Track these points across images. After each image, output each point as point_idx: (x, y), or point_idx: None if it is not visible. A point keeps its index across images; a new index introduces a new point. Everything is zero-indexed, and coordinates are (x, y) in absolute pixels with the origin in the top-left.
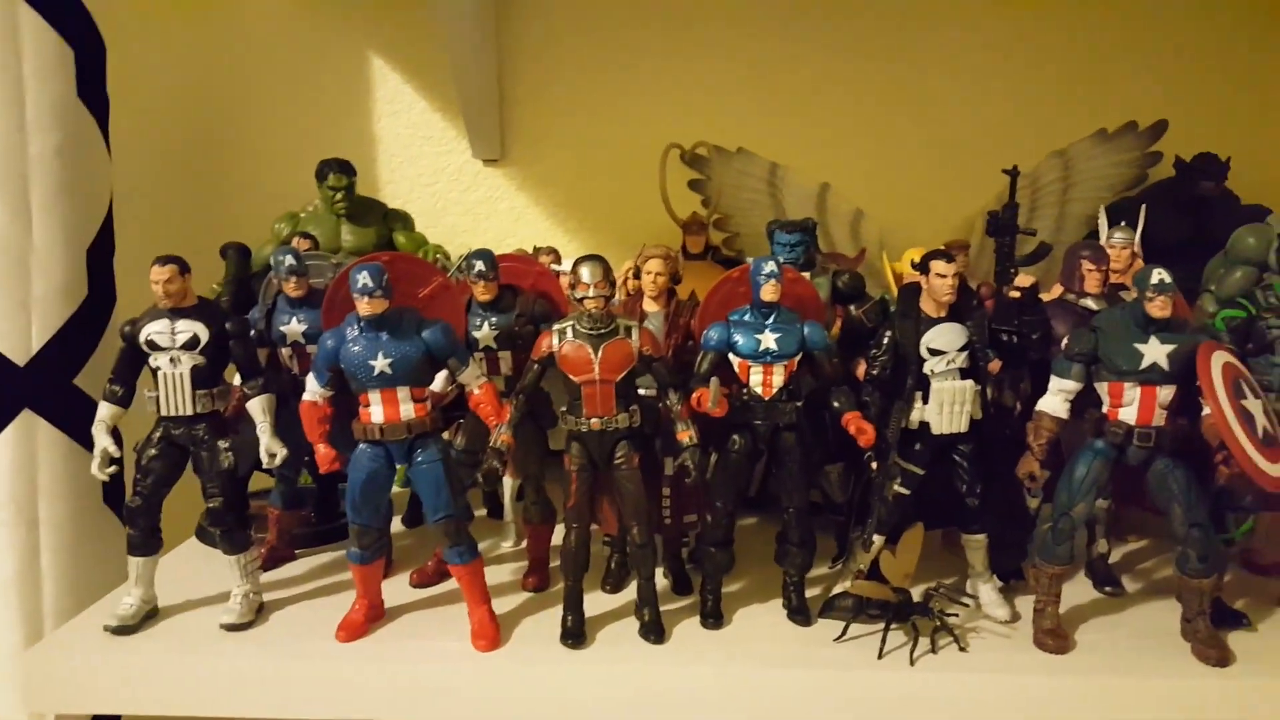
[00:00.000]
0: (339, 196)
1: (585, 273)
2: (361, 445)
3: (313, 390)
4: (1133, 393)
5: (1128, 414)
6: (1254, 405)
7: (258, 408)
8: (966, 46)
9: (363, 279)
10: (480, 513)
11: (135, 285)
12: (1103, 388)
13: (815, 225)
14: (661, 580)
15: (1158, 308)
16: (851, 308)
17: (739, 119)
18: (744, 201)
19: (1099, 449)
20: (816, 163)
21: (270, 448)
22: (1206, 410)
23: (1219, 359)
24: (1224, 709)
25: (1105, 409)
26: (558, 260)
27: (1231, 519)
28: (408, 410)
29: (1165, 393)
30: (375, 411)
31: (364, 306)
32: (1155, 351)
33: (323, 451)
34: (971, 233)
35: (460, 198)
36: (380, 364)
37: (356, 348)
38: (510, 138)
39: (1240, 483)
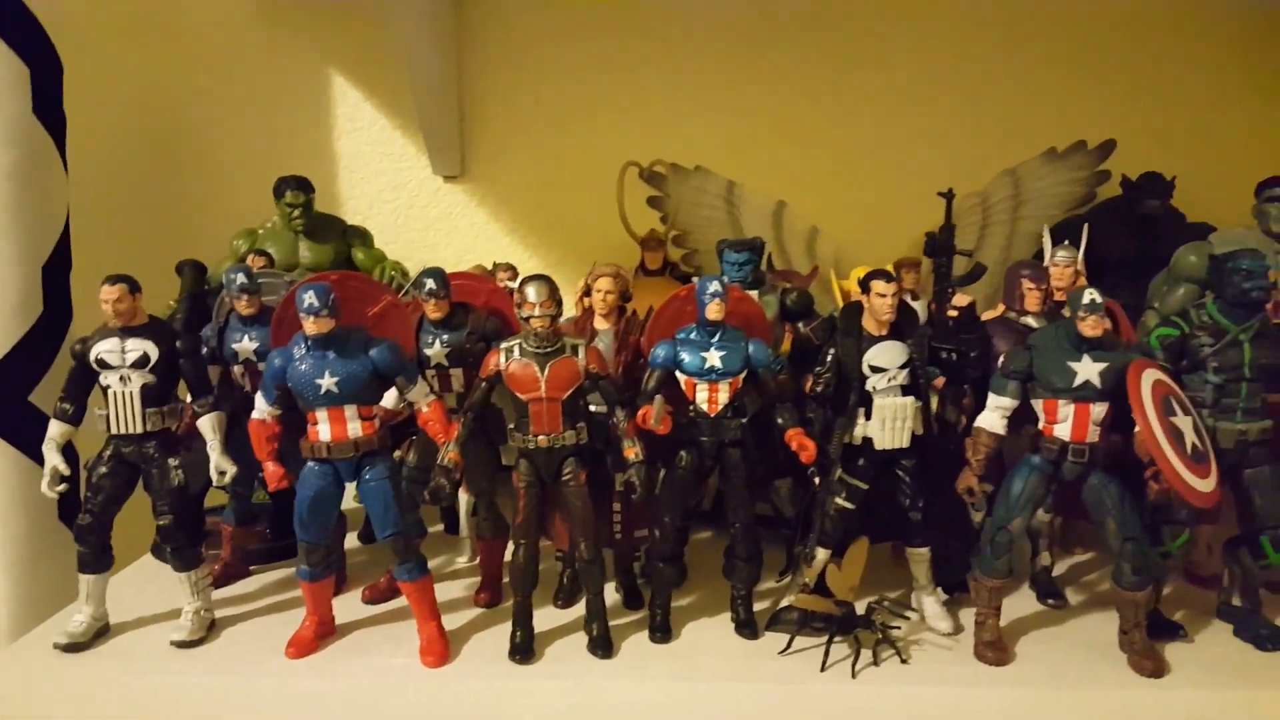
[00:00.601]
0: (296, 213)
1: (531, 292)
2: (309, 463)
3: (261, 409)
4: (1067, 410)
5: (1062, 430)
6: (1183, 422)
7: (207, 426)
8: (920, 68)
9: (308, 299)
10: (437, 528)
11: (92, 302)
12: (1038, 405)
13: (764, 244)
14: (614, 595)
15: (1089, 327)
16: (800, 325)
17: (697, 137)
18: (701, 219)
19: (1035, 464)
20: (773, 181)
21: (220, 465)
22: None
23: (1149, 377)
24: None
25: (1041, 425)
26: (516, 276)
27: (1167, 532)
28: (355, 428)
29: (1098, 409)
30: (323, 430)
31: (310, 326)
32: (1088, 369)
33: (271, 469)
34: (924, 233)
35: (420, 214)
36: (327, 383)
37: (303, 366)
38: (470, 154)
39: (1170, 498)
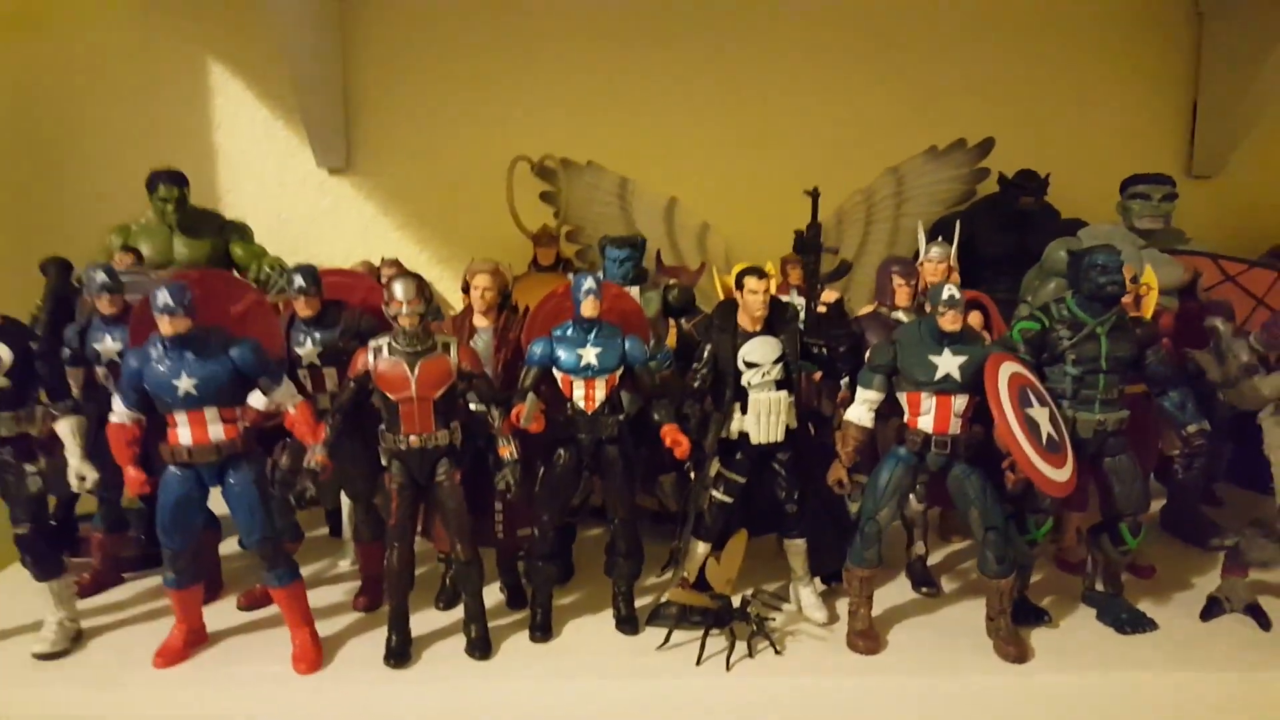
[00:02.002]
0: (170, 208)
1: (398, 290)
2: (170, 468)
3: (119, 412)
4: (929, 402)
5: (925, 422)
6: (1039, 413)
7: (65, 430)
8: (807, 67)
9: (162, 297)
10: (321, 531)
11: None
12: (902, 398)
13: (645, 241)
14: (498, 595)
15: (948, 321)
16: (683, 321)
17: (589, 132)
18: (595, 214)
19: (901, 455)
20: (665, 177)
21: (79, 470)
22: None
23: (1006, 369)
24: (1020, 704)
25: (905, 418)
26: (403, 273)
27: (1032, 520)
28: (217, 431)
29: (959, 402)
30: (182, 433)
31: (165, 325)
32: (948, 363)
33: (132, 474)
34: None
35: (305, 208)
36: (185, 384)
37: (160, 368)
38: (356, 146)
39: (1026, 488)
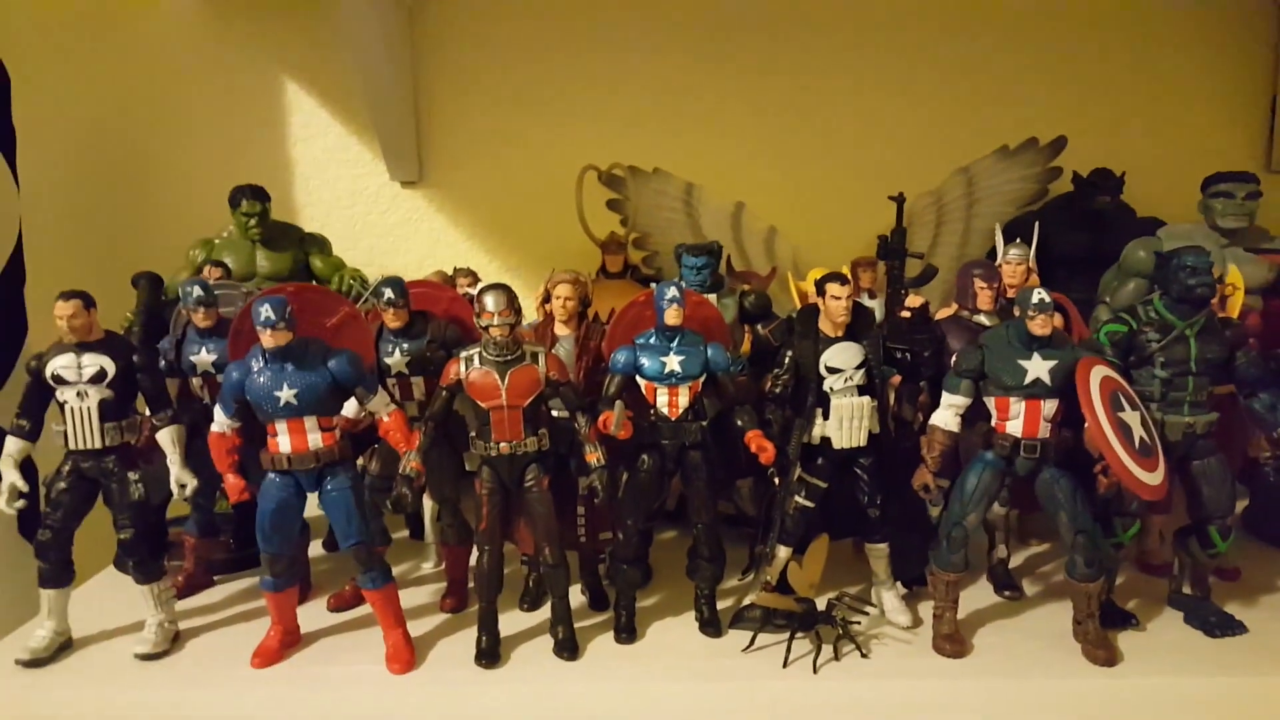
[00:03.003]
0: (253, 222)
1: (489, 301)
2: (270, 474)
3: (220, 422)
4: (1018, 407)
5: (1014, 427)
6: (1131, 417)
7: (167, 439)
8: (874, 67)
9: (264, 312)
10: (402, 534)
11: (48, 316)
12: (990, 402)
13: (721, 248)
14: (579, 597)
15: (1038, 326)
16: (759, 326)
17: (655, 140)
18: (661, 220)
19: (988, 460)
20: (731, 182)
21: (180, 479)
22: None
23: (1098, 373)
24: (1111, 708)
25: (993, 422)
26: (476, 282)
27: (1119, 523)
28: (315, 439)
29: (1049, 406)
30: (282, 441)
31: (267, 339)
32: (1038, 367)
33: (232, 481)
34: (876, 236)
35: (378, 220)
36: (286, 395)
37: (261, 379)
38: (428, 159)
39: (1119, 491)
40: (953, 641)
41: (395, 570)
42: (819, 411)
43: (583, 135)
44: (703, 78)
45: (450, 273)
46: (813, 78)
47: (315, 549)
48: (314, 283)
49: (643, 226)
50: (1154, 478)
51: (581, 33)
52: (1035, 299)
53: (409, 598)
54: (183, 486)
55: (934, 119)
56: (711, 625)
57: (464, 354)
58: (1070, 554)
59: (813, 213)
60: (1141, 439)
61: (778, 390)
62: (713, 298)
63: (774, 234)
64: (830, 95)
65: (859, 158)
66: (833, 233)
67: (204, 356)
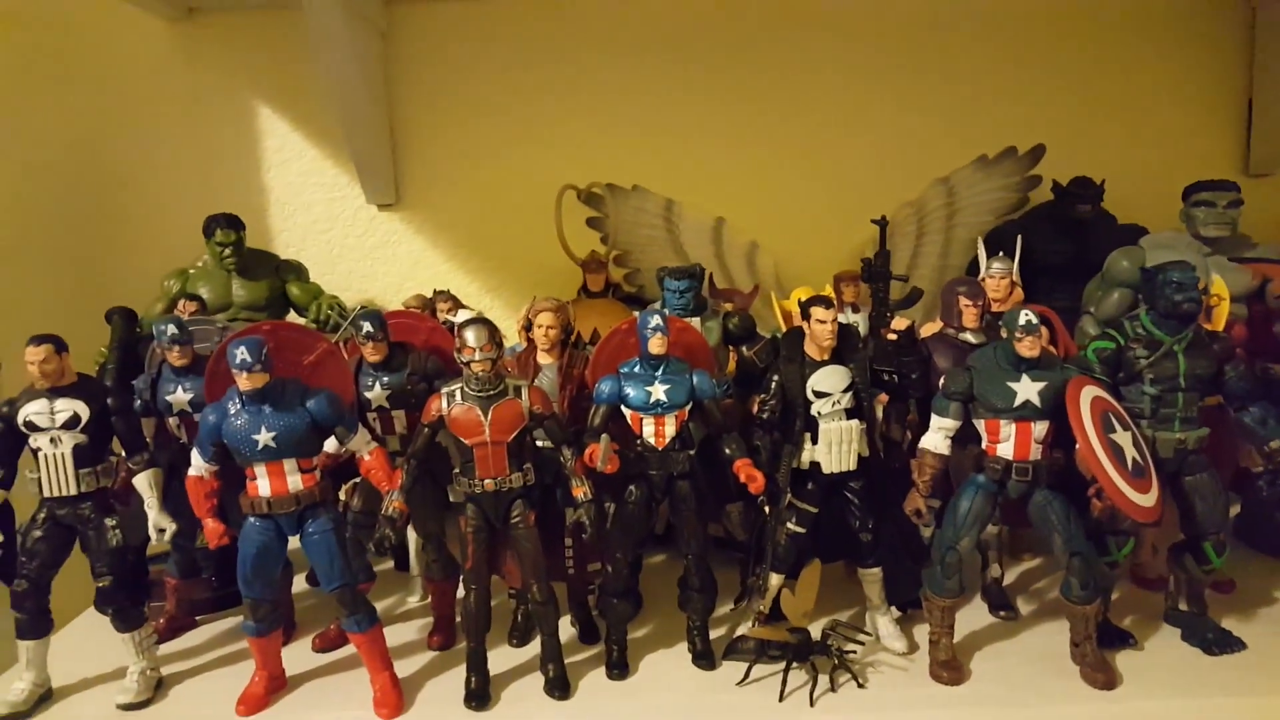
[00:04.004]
0: (228, 252)
1: (470, 337)
2: (250, 519)
3: (197, 465)
4: (1008, 429)
5: (1005, 449)
6: (1123, 438)
7: (144, 483)
8: (850, 80)
9: (240, 354)
10: (387, 566)
11: (16, 352)
12: (980, 425)
13: (704, 271)
14: (570, 629)
15: (1026, 347)
16: (743, 349)
17: (634, 157)
18: (642, 238)
19: (980, 483)
20: (711, 198)
21: (158, 523)
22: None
23: (1088, 394)
24: None
25: (984, 445)
26: (456, 306)
27: (1113, 542)
28: (295, 482)
29: (1040, 428)
30: (262, 484)
31: (244, 382)
32: (1027, 389)
33: (211, 526)
34: (860, 259)
35: (356, 243)
36: (264, 438)
37: (239, 422)
38: (404, 181)
39: (1113, 514)
40: (950, 669)
41: (381, 604)
42: (807, 436)
43: (560, 154)
44: (680, 93)
45: (429, 295)
46: (791, 91)
47: (299, 584)
48: (291, 310)
49: (623, 244)
50: (1148, 499)
51: (556, 51)
52: (1023, 320)
53: (396, 634)
54: (161, 531)
55: (913, 129)
56: (705, 658)
57: (445, 389)
58: (1066, 576)
59: (794, 226)
60: (1134, 460)
61: (765, 416)
62: (696, 321)
63: (755, 249)
64: (808, 108)
65: (839, 170)
66: (814, 246)
67: (180, 395)
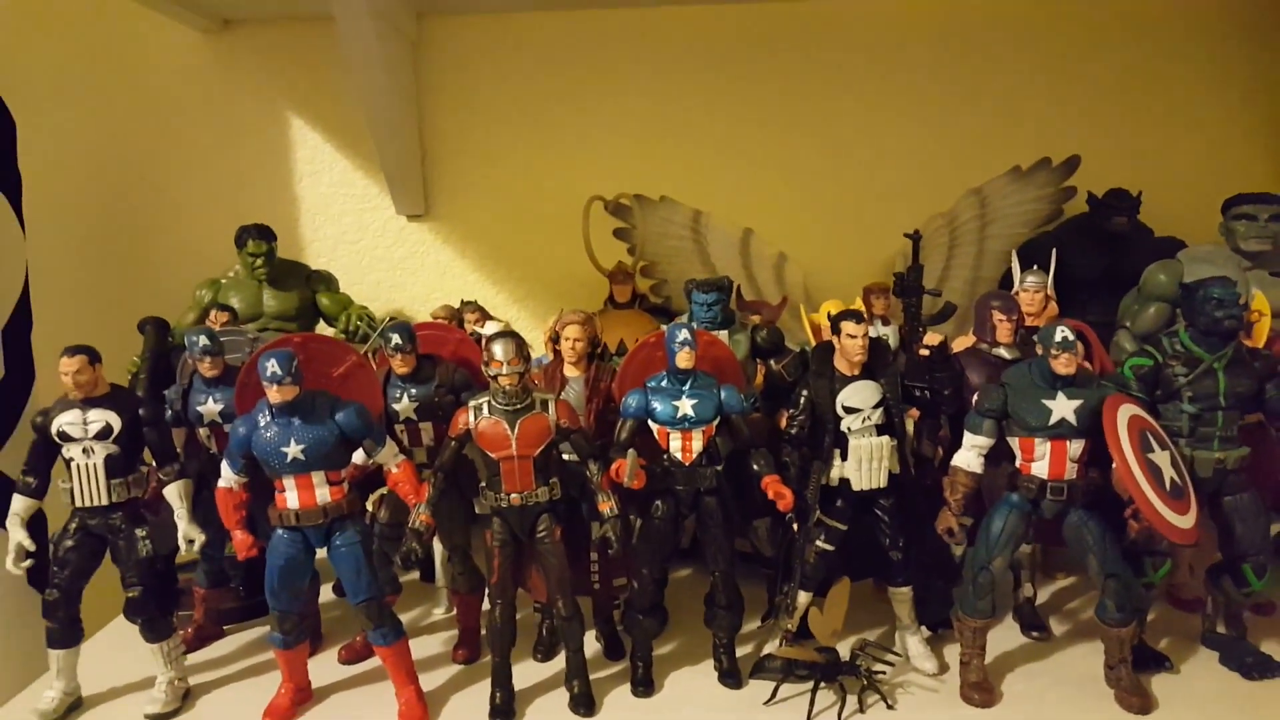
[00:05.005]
0: (259, 262)
1: (499, 350)
2: (278, 530)
3: (227, 477)
4: (1043, 447)
5: (1039, 468)
6: (1161, 458)
7: (174, 494)
8: (882, 90)
9: (271, 367)
10: (412, 577)
11: (55, 362)
12: (1014, 443)
13: (732, 283)
14: (595, 644)
15: (1062, 365)
16: (771, 362)
17: (661, 168)
18: (669, 249)
19: (1014, 502)
20: (739, 208)
21: (188, 534)
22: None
23: (1125, 413)
24: None
25: (1018, 463)
26: (483, 316)
27: (1149, 563)
28: (323, 494)
29: (1075, 447)
30: (290, 497)
31: (274, 394)
32: (1063, 407)
33: (239, 538)
34: (892, 273)
35: (385, 254)
36: (293, 450)
37: (268, 434)
38: (433, 193)
39: (1151, 535)
40: (981, 690)
41: (406, 616)
42: (837, 452)
43: (588, 164)
44: (707, 105)
45: (457, 306)
46: (820, 101)
47: (325, 594)
48: (321, 320)
49: (650, 255)
50: (1186, 520)
51: (585, 62)
52: (1059, 337)
53: (421, 646)
54: (190, 542)
55: (944, 140)
56: (731, 676)
57: (473, 403)
58: (1101, 598)
59: (822, 238)
60: (1173, 480)
61: (794, 431)
62: (724, 334)
63: (783, 260)
64: (839, 118)
65: (868, 181)
66: (843, 258)
67: (211, 406)
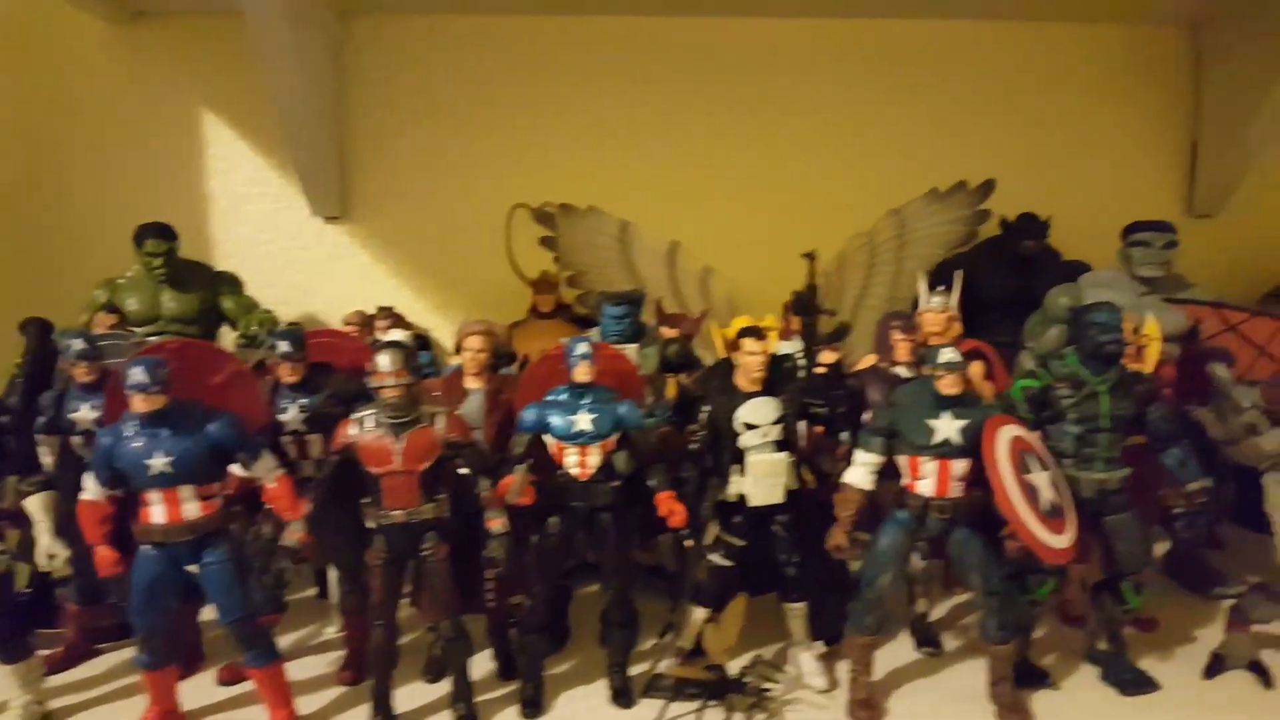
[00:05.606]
0: (158, 263)
1: (383, 362)
2: (143, 547)
3: (91, 489)
4: (929, 466)
5: (925, 486)
6: (1039, 478)
7: (36, 507)
8: (808, 110)
9: (136, 374)
10: (309, 592)
11: None
12: (902, 461)
13: (643, 296)
14: (490, 664)
15: (946, 385)
16: (682, 377)
17: (590, 178)
18: (596, 259)
19: (900, 520)
20: (667, 221)
21: (49, 549)
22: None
23: (1005, 434)
24: None
25: (904, 481)
26: (396, 324)
27: (1033, 580)
28: (192, 509)
29: (959, 466)
30: (156, 511)
31: (139, 403)
32: (948, 427)
33: (103, 554)
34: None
35: (299, 257)
36: (159, 463)
37: (132, 446)
38: (353, 195)
39: (1029, 554)
40: (866, 707)
41: (298, 634)
42: (736, 468)
43: (515, 172)
44: (638, 115)
45: (375, 312)
46: (750, 118)
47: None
48: (223, 324)
49: (577, 265)
50: (1061, 540)
51: (514, 69)
52: (943, 358)
53: (308, 666)
54: (51, 557)
55: (869, 160)
56: (623, 695)
57: (356, 415)
58: (983, 616)
59: (749, 253)
60: (1051, 501)
61: (694, 447)
62: (634, 348)
63: (710, 274)
64: (768, 135)
65: (795, 198)
66: (769, 273)
67: (85, 414)
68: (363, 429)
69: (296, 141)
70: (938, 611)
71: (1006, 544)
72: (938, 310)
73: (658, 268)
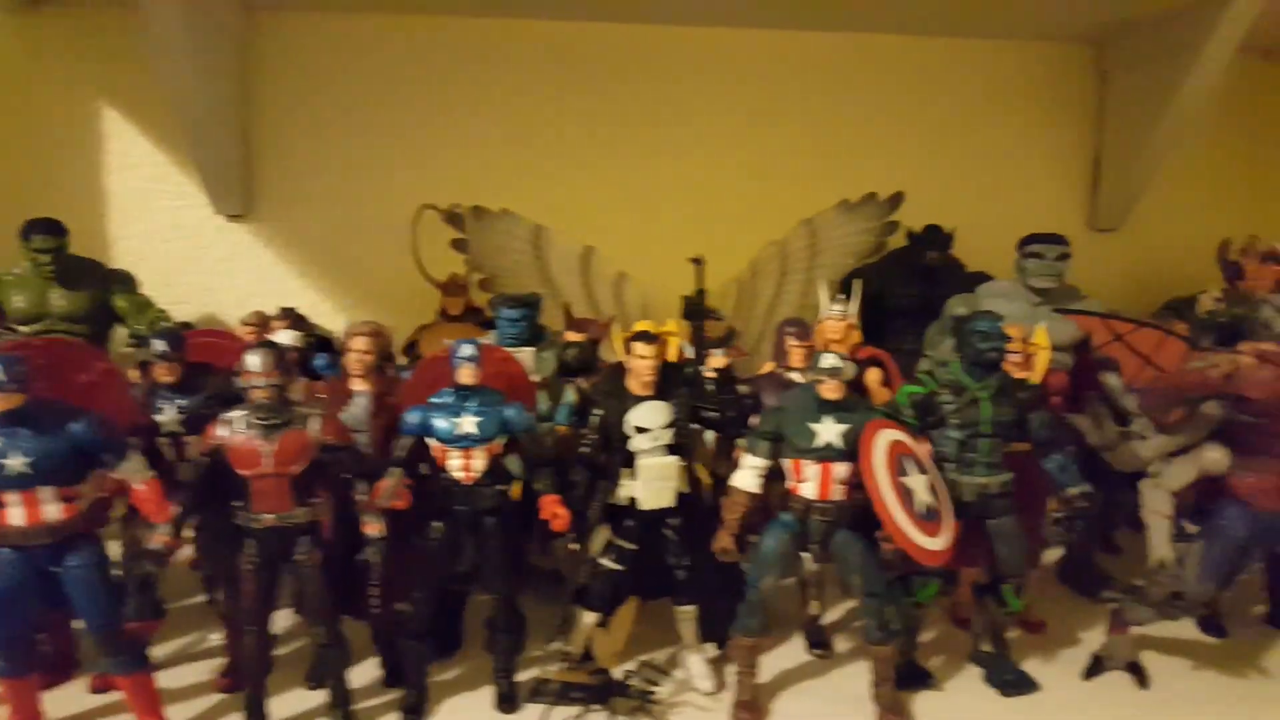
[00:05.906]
0: (45, 259)
1: (252, 362)
2: (1, 550)
3: None
4: (811, 469)
5: (808, 489)
6: (916, 481)
7: None
8: (722, 119)
9: None
10: (198, 599)
11: None
12: (786, 464)
13: (539, 300)
14: (376, 670)
15: (828, 390)
16: (579, 381)
17: (504, 181)
18: (509, 263)
19: (784, 523)
20: (582, 226)
21: None
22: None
23: (884, 438)
24: None
25: (788, 484)
26: (295, 325)
27: (916, 582)
28: (52, 511)
29: (841, 469)
30: (13, 513)
31: None
32: (829, 431)
33: None
34: (727, 296)
35: (201, 255)
36: (15, 463)
37: None
38: (258, 193)
39: (901, 557)
40: (750, 710)
41: (183, 640)
42: (627, 472)
43: (426, 172)
44: (554, 120)
45: (277, 312)
46: (665, 125)
47: None
48: (115, 324)
49: (489, 268)
50: (936, 543)
51: (426, 69)
52: (825, 363)
53: (188, 673)
54: None
55: (783, 169)
56: (508, 701)
57: (226, 416)
58: (865, 618)
59: (663, 259)
60: (927, 505)
61: (585, 451)
62: (530, 351)
63: (624, 280)
64: (682, 143)
65: (710, 205)
66: (683, 279)
67: None
68: (232, 430)
69: (197, 138)
70: (831, 614)
71: (882, 545)
72: (838, 318)
73: (572, 273)
